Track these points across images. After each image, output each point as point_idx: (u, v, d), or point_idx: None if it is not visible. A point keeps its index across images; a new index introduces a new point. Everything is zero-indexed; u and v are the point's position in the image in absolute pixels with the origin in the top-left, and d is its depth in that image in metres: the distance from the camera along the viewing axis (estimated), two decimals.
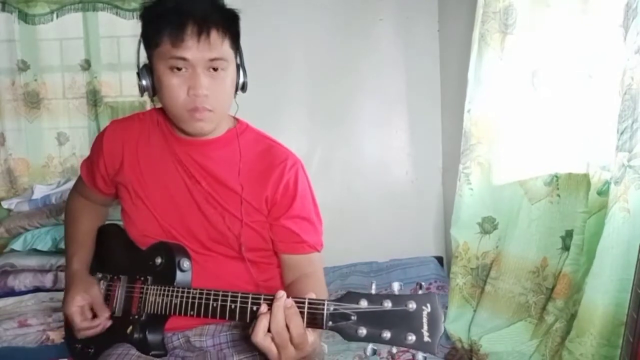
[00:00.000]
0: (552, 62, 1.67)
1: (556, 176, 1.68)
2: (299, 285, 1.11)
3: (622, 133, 1.30)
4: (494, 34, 1.82)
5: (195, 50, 1.03)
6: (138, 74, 1.13)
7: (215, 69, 1.06)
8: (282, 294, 0.90)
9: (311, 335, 0.90)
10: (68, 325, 1.28)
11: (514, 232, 1.81)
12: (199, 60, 1.04)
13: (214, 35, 1.04)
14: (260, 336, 0.89)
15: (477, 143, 1.91)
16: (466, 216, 1.95)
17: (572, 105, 1.61)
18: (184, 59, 1.04)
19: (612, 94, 1.44)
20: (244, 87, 1.15)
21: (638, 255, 1.04)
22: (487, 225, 1.93)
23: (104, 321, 1.16)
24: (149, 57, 1.10)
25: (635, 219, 1.27)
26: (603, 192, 1.45)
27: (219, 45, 1.05)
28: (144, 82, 1.12)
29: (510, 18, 1.77)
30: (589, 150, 1.54)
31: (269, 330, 0.89)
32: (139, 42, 1.12)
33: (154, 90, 1.12)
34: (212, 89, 1.06)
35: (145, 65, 1.12)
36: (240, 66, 1.14)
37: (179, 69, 1.05)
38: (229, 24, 1.08)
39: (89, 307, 1.17)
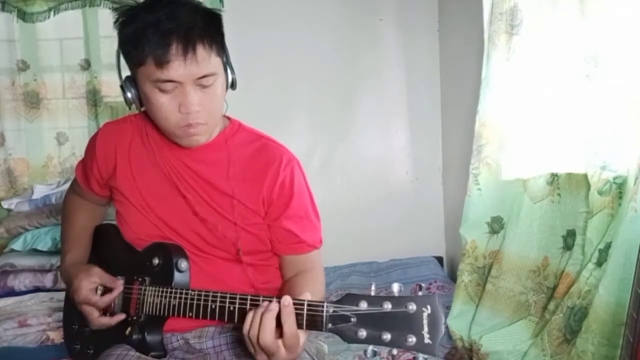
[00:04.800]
0: (556, 62, 1.66)
1: (556, 175, 1.68)
2: (296, 282, 1.11)
3: None
4: (501, 34, 1.82)
5: (183, 69, 0.98)
6: (122, 86, 1.08)
7: (205, 85, 1.02)
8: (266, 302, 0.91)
9: (302, 336, 0.91)
10: (67, 326, 1.28)
11: (515, 231, 1.81)
12: (187, 78, 0.99)
13: (200, 50, 0.98)
14: (270, 338, 0.89)
15: (486, 144, 1.91)
16: (475, 216, 1.95)
17: (574, 106, 1.61)
18: (171, 80, 0.99)
19: (614, 95, 1.44)
20: (233, 85, 1.10)
21: (638, 255, 1.03)
22: (496, 225, 1.94)
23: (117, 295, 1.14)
24: (132, 71, 1.05)
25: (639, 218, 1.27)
26: (604, 192, 1.45)
27: (207, 60, 0.99)
28: (129, 95, 1.07)
29: (516, 19, 1.77)
30: (589, 150, 1.54)
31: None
32: (118, 53, 1.05)
33: (141, 102, 1.07)
34: (203, 103, 1.02)
35: (128, 77, 1.07)
36: (227, 64, 1.08)
37: (168, 90, 1.00)
38: (214, 31, 1.02)
39: (97, 288, 1.14)
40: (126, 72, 1.08)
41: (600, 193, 1.45)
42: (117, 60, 1.07)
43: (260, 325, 0.89)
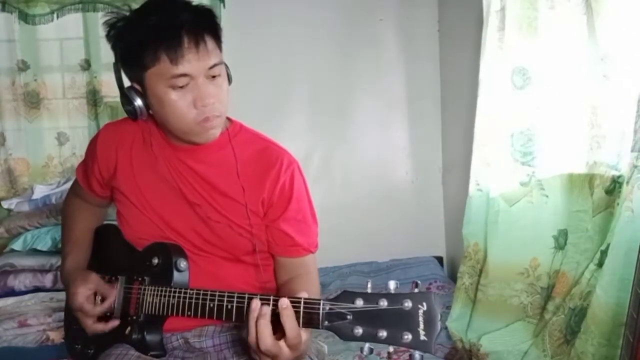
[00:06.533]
0: (555, 61, 1.66)
1: (534, 176, 1.69)
2: (292, 286, 1.11)
3: (635, 133, 1.30)
4: (500, 33, 1.82)
5: (196, 62, 1.00)
6: (125, 98, 1.08)
7: (214, 76, 1.04)
8: (257, 304, 0.90)
9: (304, 334, 0.90)
10: (67, 326, 1.28)
11: (496, 236, 1.82)
12: (200, 71, 1.01)
13: (209, 41, 1.02)
14: (269, 342, 0.88)
15: (486, 144, 1.91)
16: (477, 217, 1.95)
17: (575, 105, 1.61)
18: (185, 75, 1.01)
19: (616, 94, 1.44)
20: (229, 80, 1.11)
21: (638, 255, 1.03)
22: None
23: (112, 318, 1.15)
24: (136, 78, 1.06)
25: (637, 219, 1.27)
26: (606, 192, 1.45)
27: (215, 50, 1.03)
28: (138, 104, 1.07)
29: (513, 18, 1.77)
30: (591, 150, 1.54)
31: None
32: (116, 65, 1.07)
33: (148, 109, 1.08)
34: (215, 94, 1.04)
35: (129, 88, 1.08)
36: None
37: (182, 87, 1.02)
38: (214, 23, 1.05)
39: (93, 295, 1.16)
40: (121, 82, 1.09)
41: (604, 192, 1.46)
42: (117, 72, 1.08)
43: (257, 332, 0.89)
